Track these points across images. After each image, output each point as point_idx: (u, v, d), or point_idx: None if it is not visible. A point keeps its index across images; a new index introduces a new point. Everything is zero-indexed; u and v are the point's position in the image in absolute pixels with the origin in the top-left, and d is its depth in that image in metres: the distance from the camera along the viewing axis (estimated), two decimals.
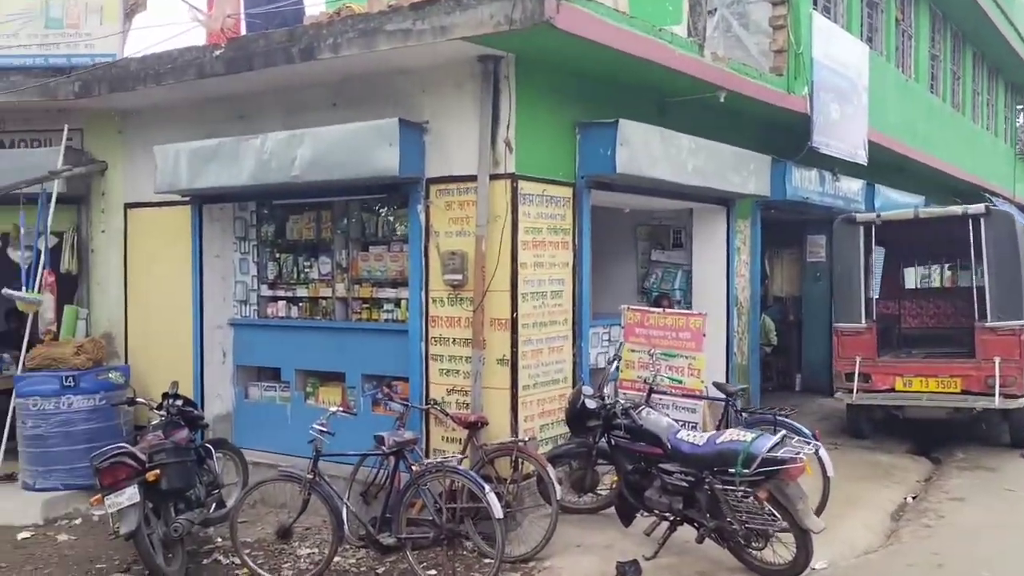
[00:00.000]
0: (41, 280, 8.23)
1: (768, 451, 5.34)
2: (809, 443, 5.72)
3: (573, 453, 6.58)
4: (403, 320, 7.44)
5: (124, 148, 8.77)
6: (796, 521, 5.43)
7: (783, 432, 5.78)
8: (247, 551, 6.43)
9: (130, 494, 5.81)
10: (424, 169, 6.89)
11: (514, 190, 6.61)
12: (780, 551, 5.64)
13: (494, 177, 6.62)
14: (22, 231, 8.30)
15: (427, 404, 6.91)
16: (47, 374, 7.93)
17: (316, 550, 6.59)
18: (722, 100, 8.00)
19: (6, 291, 8.02)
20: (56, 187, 8.32)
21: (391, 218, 7.65)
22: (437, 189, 6.90)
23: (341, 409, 6.25)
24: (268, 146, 7.19)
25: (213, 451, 7.05)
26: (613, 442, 6.22)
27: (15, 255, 8.71)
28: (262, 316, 8.39)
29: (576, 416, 6.27)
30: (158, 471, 5.99)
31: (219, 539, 6.99)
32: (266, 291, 8.39)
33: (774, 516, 5.46)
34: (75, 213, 8.82)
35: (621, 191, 7.75)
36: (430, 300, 6.98)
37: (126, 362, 8.69)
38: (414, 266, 7.06)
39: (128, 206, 8.74)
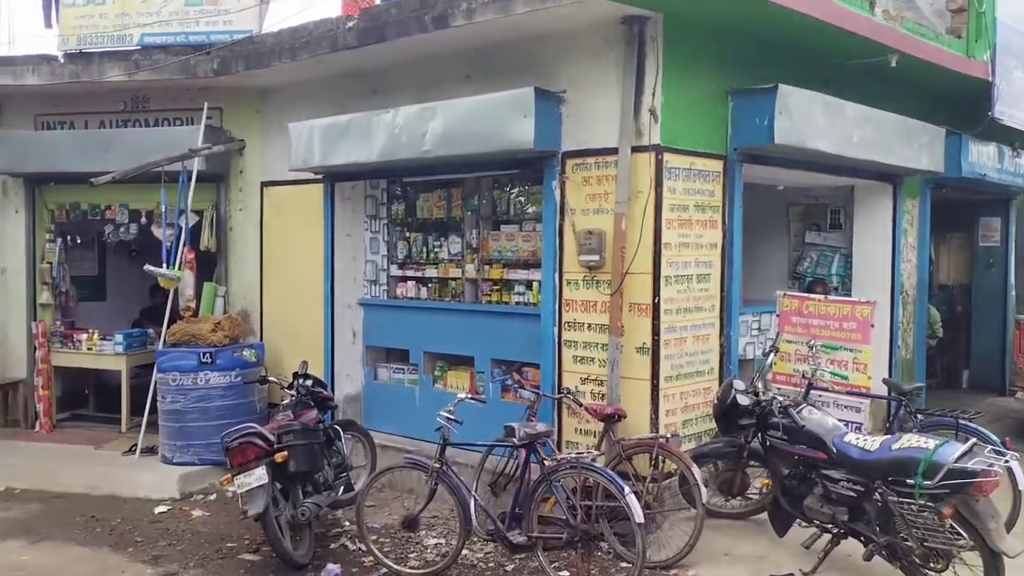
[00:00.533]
0: (181, 257, 8.34)
1: (955, 461, 4.60)
2: (1003, 453, 4.92)
3: (721, 453, 6.00)
4: (535, 303, 7.06)
5: (261, 126, 8.77)
6: (986, 542, 4.68)
7: (973, 440, 5.00)
8: (373, 537, 6.23)
9: (259, 475, 5.70)
10: (560, 142, 6.45)
11: (658, 163, 6.07)
12: (963, 575, 4.91)
13: (636, 149, 6.10)
14: (164, 208, 8.42)
15: (559, 393, 6.49)
16: (186, 350, 8.02)
17: (443, 540, 6.32)
18: (893, 65, 7.14)
19: (148, 267, 8.17)
20: (196, 165, 8.40)
21: (524, 195, 7.26)
22: (574, 163, 6.44)
23: (470, 395, 5.92)
24: (399, 120, 6.94)
25: (342, 433, 6.91)
26: (768, 443, 5.61)
27: (158, 232, 8.88)
28: (391, 296, 8.20)
29: (726, 412, 5.69)
30: (286, 452, 5.85)
31: (347, 523, 6.84)
32: (396, 271, 8.20)
33: (958, 534, 4.73)
34: (214, 191, 8.91)
35: (776, 165, 7.05)
36: (564, 282, 6.54)
37: (261, 340, 8.73)
38: (548, 246, 6.64)
39: (264, 184, 8.75)
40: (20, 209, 9.49)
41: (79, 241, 9.85)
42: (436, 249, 7.84)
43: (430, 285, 7.89)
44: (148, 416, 8.37)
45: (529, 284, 7.17)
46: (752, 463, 5.92)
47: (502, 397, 7.23)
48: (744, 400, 5.62)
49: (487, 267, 7.47)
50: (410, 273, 8.04)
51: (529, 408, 6.46)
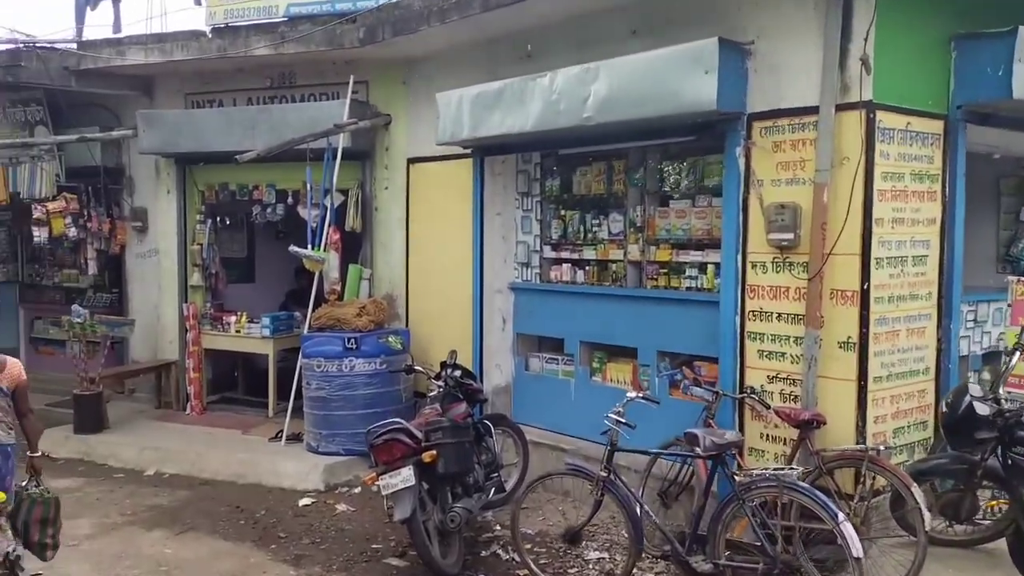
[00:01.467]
0: (326, 238, 7.99)
1: None
2: None
3: (946, 470, 4.99)
4: (709, 289, 6.22)
5: (408, 99, 8.28)
6: None
7: None
8: (528, 545, 5.62)
9: (405, 476, 5.18)
10: (746, 102, 5.56)
11: (869, 123, 5.08)
12: None
13: (842, 107, 5.14)
14: (309, 187, 8.09)
15: (742, 392, 5.63)
16: (331, 335, 7.67)
17: (606, 555, 5.63)
18: None
19: (293, 248, 7.85)
20: (341, 142, 8.02)
21: (699, 166, 6.40)
22: (762, 127, 5.54)
23: (640, 395, 5.16)
24: (557, 84, 6.23)
25: (492, 428, 6.32)
26: (1011, 461, 4.57)
27: (304, 212, 8.59)
28: (545, 280, 7.53)
29: (958, 423, 4.68)
30: (435, 452, 5.30)
31: (497, 526, 6.27)
32: (549, 252, 7.51)
33: None
34: (359, 169, 8.52)
35: (1006, 126, 5.89)
36: (748, 265, 5.66)
37: (406, 325, 8.28)
38: (728, 223, 5.77)
39: (411, 161, 8.27)
40: (172, 190, 9.45)
41: (228, 222, 9.75)
42: (595, 228, 7.10)
43: (588, 268, 7.16)
44: (293, 402, 8.11)
45: (702, 267, 6.33)
46: (986, 483, 4.88)
47: (669, 394, 6.43)
48: (983, 409, 4.59)
49: (653, 248, 6.66)
50: (565, 255, 7.35)
51: (706, 409, 5.64)
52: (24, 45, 8.82)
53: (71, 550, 5.89)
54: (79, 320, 8.59)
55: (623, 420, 4.90)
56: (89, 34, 9.85)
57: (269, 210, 9.02)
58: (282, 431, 8.14)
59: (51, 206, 9.16)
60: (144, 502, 6.93)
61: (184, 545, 6.02)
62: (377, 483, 5.26)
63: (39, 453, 5.03)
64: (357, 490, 7.18)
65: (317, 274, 8.10)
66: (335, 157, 8.01)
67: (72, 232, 9.30)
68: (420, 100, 8.09)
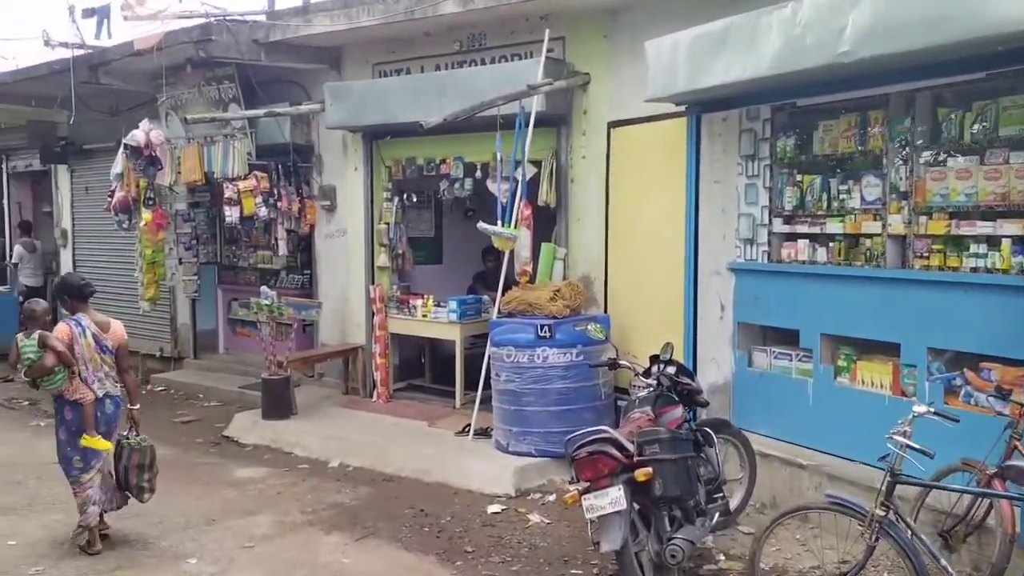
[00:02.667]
0: (518, 214, 7.17)
1: None
2: None
3: None
4: (1004, 269, 4.81)
5: (609, 55, 7.28)
6: None
7: None
8: None
9: (614, 498, 4.23)
10: None
11: None
12: None
13: None
14: (499, 157, 7.30)
15: None
16: (522, 321, 6.86)
17: None
18: None
19: (482, 225, 7.09)
20: (535, 106, 7.16)
21: (991, 112, 4.97)
22: None
23: (932, 410, 3.88)
24: (803, 15, 5.00)
25: (714, 437, 5.23)
26: None
27: (493, 187, 7.83)
28: (774, 260, 6.30)
29: None
30: (650, 470, 4.30)
31: (721, 556, 5.21)
32: (780, 226, 6.26)
33: None
34: (554, 137, 7.62)
35: None
36: None
37: (605, 311, 7.32)
38: None
39: (612, 125, 7.27)
40: (359, 166, 9.01)
41: (415, 200, 9.19)
42: (842, 196, 5.79)
43: (832, 244, 5.87)
44: (481, 393, 7.40)
45: (994, 241, 4.92)
46: None
47: (944, 402, 5.07)
48: None
49: (924, 218, 5.29)
50: (802, 229, 6.09)
51: (1010, 428, 4.28)
52: (215, 19, 8.61)
53: (245, 551, 5.43)
54: (267, 302, 8.32)
55: (913, 444, 3.67)
56: (280, 4, 9.57)
57: (457, 185, 8.34)
58: (469, 425, 7.45)
59: (242, 185, 8.97)
60: (326, 499, 6.43)
61: (363, 553, 5.40)
62: (579, 502, 4.34)
63: (137, 406, 5.60)
64: (551, 498, 6.33)
65: (507, 254, 7.31)
66: (527, 123, 7.16)
67: (262, 211, 9.08)
68: (623, 55, 7.07)
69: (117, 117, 11.29)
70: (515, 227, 7.13)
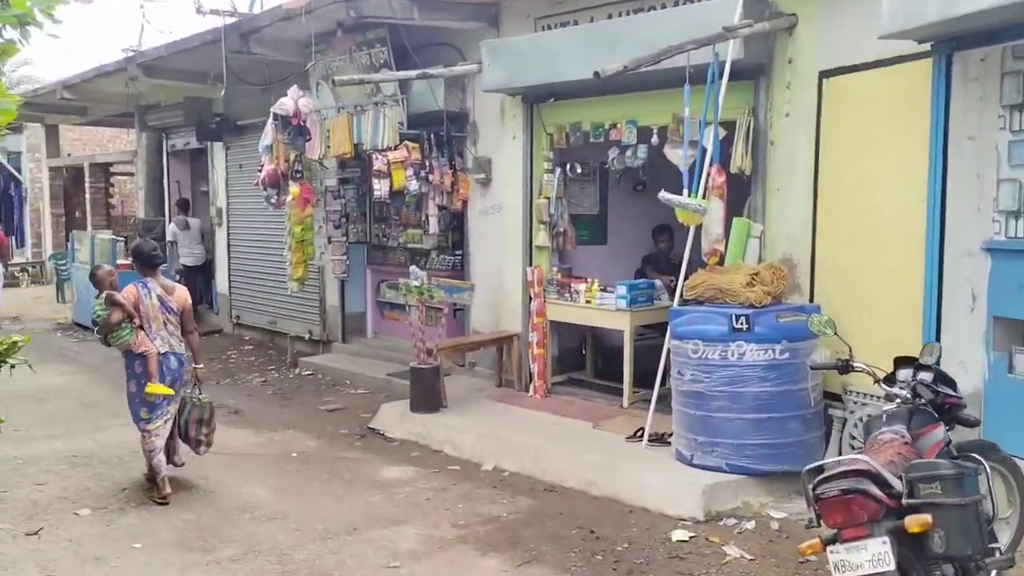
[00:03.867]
0: (708, 182, 6.04)
1: None
2: None
3: None
4: None
5: None
6: None
7: None
8: None
9: (876, 553, 3.12)
10: None
11: None
12: None
13: None
14: (685, 119, 6.19)
15: None
16: (711, 309, 5.75)
17: None
18: None
19: (664, 195, 6.01)
20: (730, 53, 6.00)
21: None
22: None
23: None
24: None
25: (986, 467, 3.95)
26: None
27: (673, 154, 6.75)
28: None
29: None
30: (928, 518, 3.13)
31: None
32: None
33: None
34: (750, 92, 6.42)
35: None
36: None
37: (811, 300, 6.09)
38: None
39: (824, 75, 6.00)
40: (518, 134, 8.10)
41: (579, 171, 8.19)
42: None
43: None
44: (658, 392, 6.35)
45: None
46: None
47: None
48: None
49: None
50: None
51: None
52: None
53: (391, 572, 4.63)
54: (416, 283, 7.56)
55: None
56: None
57: (628, 153, 7.28)
58: (642, 429, 6.42)
59: (392, 155, 8.26)
60: (480, 510, 5.57)
61: None
62: (825, 553, 3.23)
63: (201, 366, 6.15)
64: (749, 525, 5.21)
65: (691, 231, 6.20)
66: (721, 75, 6.01)
67: (413, 185, 8.34)
68: None
69: (269, 91, 10.93)
70: (704, 197, 6.00)
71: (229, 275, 12.89)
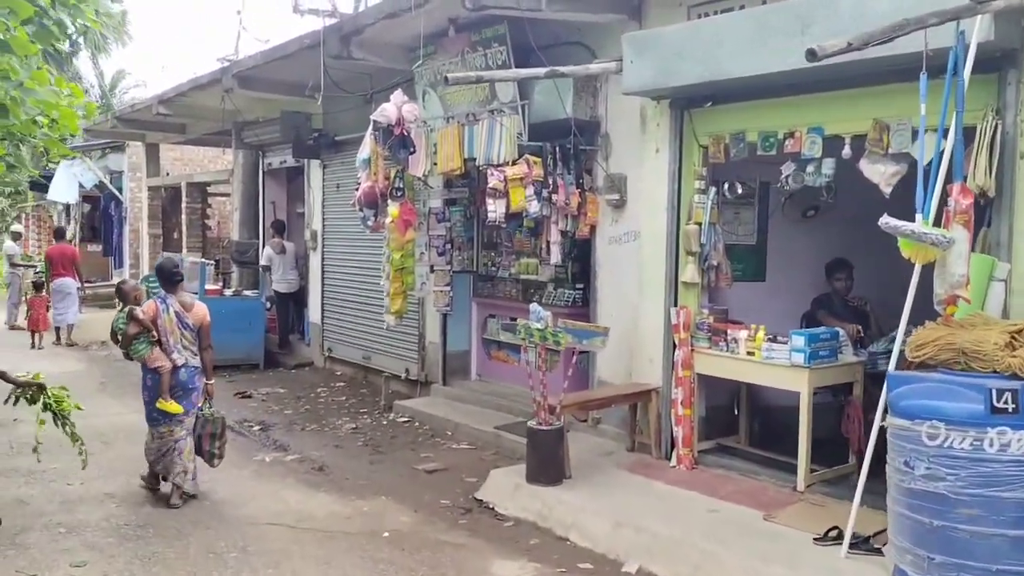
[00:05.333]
0: (950, 206, 4.47)
1: None
2: None
3: None
4: None
5: None
6: None
7: None
8: None
9: None
10: None
11: None
12: None
13: None
14: (923, 110, 4.62)
15: None
16: (956, 379, 4.17)
17: None
18: None
19: (888, 221, 4.41)
20: (975, 35, 4.46)
21: None
22: None
23: None
24: None
25: None
26: None
27: (873, 170, 5.25)
28: None
29: None
30: None
31: None
32: None
33: None
34: (995, 88, 4.84)
35: None
36: None
37: None
38: None
39: None
40: (662, 147, 6.69)
41: (740, 192, 6.73)
42: None
43: None
44: (865, 478, 4.78)
45: None
46: None
47: None
48: None
49: None
50: None
51: None
52: None
53: None
54: (539, 325, 6.19)
55: None
56: None
57: (810, 169, 5.78)
58: (838, 529, 4.86)
59: (510, 171, 6.96)
60: None
61: None
62: None
63: (211, 381, 6.40)
64: None
65: (915, 269, 4.63)
66: (963, 62, 4.46)
67: (533, 206, 7.02)
68: None
69: (369, 103, 9.86)
70: (944, 226, 4.44)
71: (322, 304, 11.86)
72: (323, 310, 11.85)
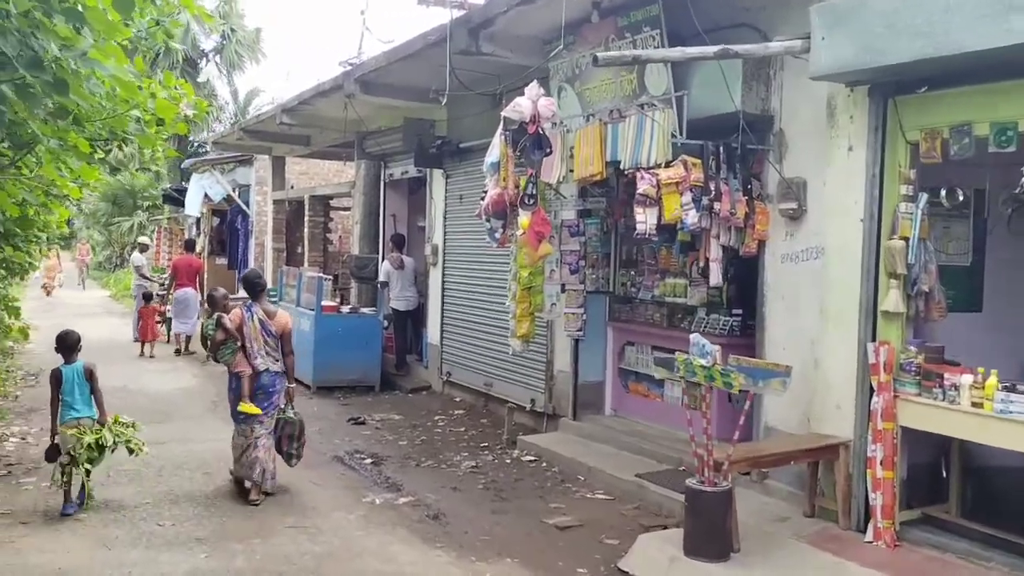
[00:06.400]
0: None
1: None
2: None
3: None
4: None
5: None
6: None
7: None
8: None
9: None
10: None
11: None
12: None
13: None
14: None
15: None
16: None
17: None
18: None
19: None
20: None
21: None
22: None
23: None
24: None
25: None
26: None
27: None
28: None
29: None
30: None
31: None
32: None
33: None
34: None
35: None
36: None
37: None
38: None
39: None
40: (857, 144, 5.42)
41: (960, 199, 5.39)
42: None
43: None
44: None
45: None
46: None
47: None
48: None
49: None
50: None
51: None
52: None
53: None
54: (703, 361, 5.02)
55: None
56: None
57: None
58: None
59: (664, 175, 5.86)
60: None
61: None
62: None
63: (292, 384, 6.68)
64: None
65: None
66: None
67: (691, 216, 5.88)
68: None
69: (498, 106, 8.99)
70: None
71: (442, 324, 11.03)
72: (442, 330, 11.03)
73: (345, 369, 11.02)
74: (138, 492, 6.49)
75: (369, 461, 7.68)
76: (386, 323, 11.75)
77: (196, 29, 29.05)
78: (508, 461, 7.80)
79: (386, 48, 9.53)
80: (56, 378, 5.99)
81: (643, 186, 5.87)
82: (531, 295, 7.50)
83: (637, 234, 6.07)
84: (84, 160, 4.89)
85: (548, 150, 6.43)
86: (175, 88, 6.16)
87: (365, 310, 11.90)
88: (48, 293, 25.56)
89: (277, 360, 6.47)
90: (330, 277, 12.66)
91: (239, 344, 6.37)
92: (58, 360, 6.21)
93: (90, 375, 6.05)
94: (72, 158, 4.66)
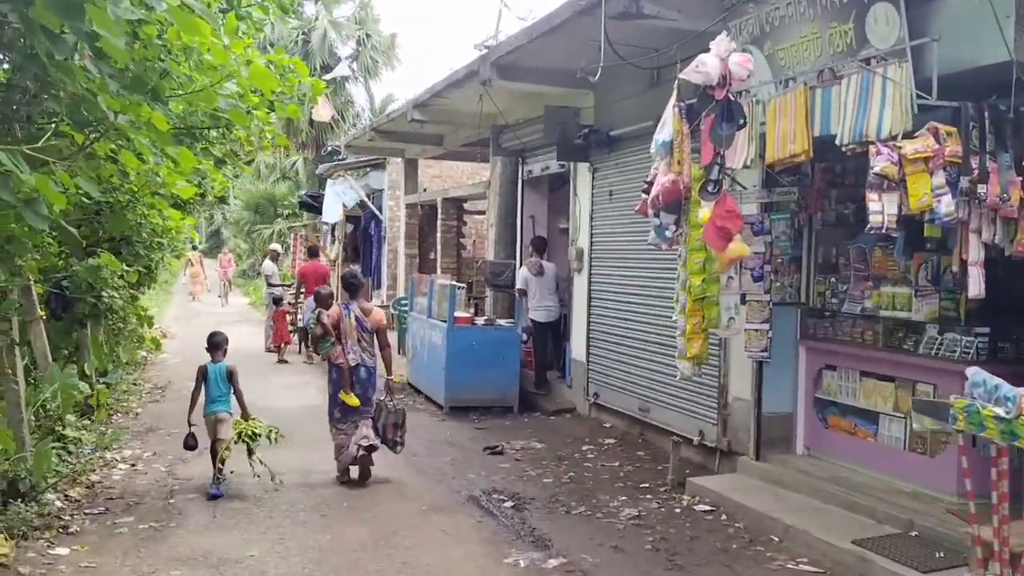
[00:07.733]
0: None
1: None
2: None
3: None
4: None
5: None
6: None
7: None
8: None
9: None
10: None
11: None
12: None
13: None
14: None
15: None
16: None
17: None
18: None
19: None
20: None
21: None
22: None
23: None
24: None
25: None
26: None
27: None
28: None
29: None
30: None
31: None
32: None
33: None
34: None
35: None
36: None
37: None
38: None
39: None
40: None
41: None
42: None
43: None
44: None
45: None
46: None
47: None
48: None
49: None
50: None
51: None
52: None
53: None
54: (1000, 411, 3.48)
55: None
56: None
57: None
58: None
59: (909, 148, 4.34)
60: None
61: None
62: None
63: (392, 376, 7.21)
64: None
65: None
66: None
67: (944, 203, 4.34)
68: None
69: (658, 87, 7.64)
70: None
71: (588, 337, 9.73)
72: (588, 345, 9.72)
73: (480, 388, 9.91)
74: (244, 540, 5.52)
75: (510, 504, 6.46)
76: (525, 336, 10.56)
77: (332, 36, 29.06)
78: (678, 510, 6.40)
79: (526, 25, 8.35)
80: (203, 373, 6.72)
81: (880, 163, 4.37)
82: (704, 307, 6.13)
83: (870, 229, 4.54)
84: (164, 143, 3.89)
85: (742, 120, 5.01)
86: (289, 67, 5.21)
87: (502, 322, 10.76)
88: (195, 299, 26.17)
89: (373, 355, 7.00)
90: (463, 285, 11.60)
91: (335, 339, 6.88)
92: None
93: (230, 375, 6.72)
94: (143, 136, 3.65)
